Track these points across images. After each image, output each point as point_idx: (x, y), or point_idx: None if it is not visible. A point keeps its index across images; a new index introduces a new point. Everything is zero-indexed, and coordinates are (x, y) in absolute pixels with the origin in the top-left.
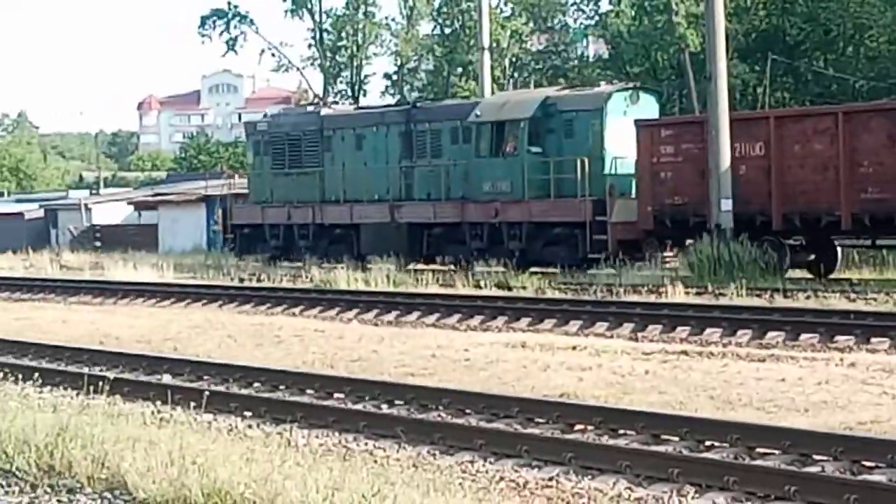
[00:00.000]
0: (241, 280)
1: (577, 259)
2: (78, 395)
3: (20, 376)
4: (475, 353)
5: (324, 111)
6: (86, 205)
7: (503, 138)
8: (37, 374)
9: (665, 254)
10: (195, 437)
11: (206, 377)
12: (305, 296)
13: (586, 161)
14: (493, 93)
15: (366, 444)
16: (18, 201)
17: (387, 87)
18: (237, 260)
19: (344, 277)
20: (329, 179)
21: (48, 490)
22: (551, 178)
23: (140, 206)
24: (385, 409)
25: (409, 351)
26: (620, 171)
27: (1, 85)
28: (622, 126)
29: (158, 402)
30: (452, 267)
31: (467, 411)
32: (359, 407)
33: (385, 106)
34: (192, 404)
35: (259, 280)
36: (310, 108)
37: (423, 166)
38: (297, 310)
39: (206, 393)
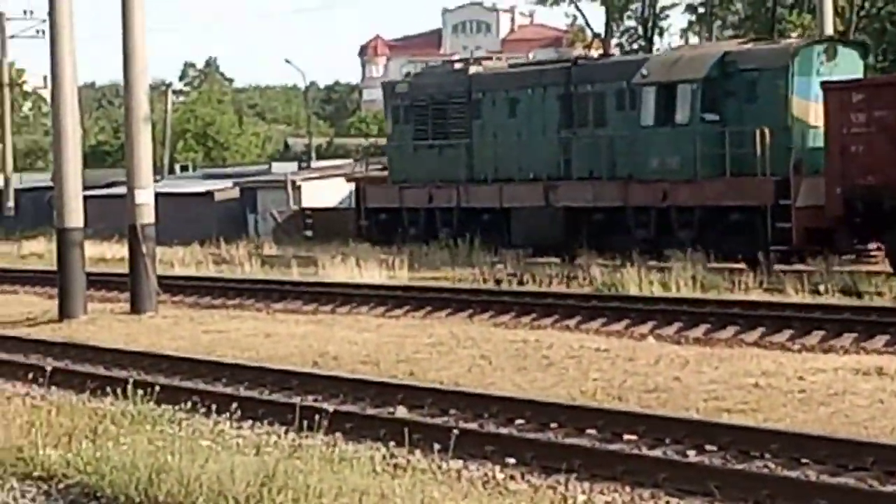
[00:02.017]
0: (498, 282)
1: (755, 252)
2: (287, 432)
3: (213, 407)
4: (813, 381)
5: (472, 69)
6: (293, 182)
7: (673, 104)
8: (234, 405)
9: (869, 247)
10: (440, 489)
11: (452, 411)
12: (583, 303)
13: (767, 132)
14: (835, 31)
15: (667, 502)
16: (207, 177)
17: (690, 23)
18: (492, 256)
19: (634, 279)
20: (477, 153)
21: None
22: (727, 152)
23: (364, 184)
24: (693, 456)
25: (722, 378)
26: (811, 143)
27: (185, 27)
28: (814, 88)
29: (392, 444)
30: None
31: (804, 461)
32: (657, 453)
33: (542, 62)
34: (436, 447)
35: (521, 282)
36: (457, 66)
37: (585, 137)
38: (571, 322)
39: (454, 432)
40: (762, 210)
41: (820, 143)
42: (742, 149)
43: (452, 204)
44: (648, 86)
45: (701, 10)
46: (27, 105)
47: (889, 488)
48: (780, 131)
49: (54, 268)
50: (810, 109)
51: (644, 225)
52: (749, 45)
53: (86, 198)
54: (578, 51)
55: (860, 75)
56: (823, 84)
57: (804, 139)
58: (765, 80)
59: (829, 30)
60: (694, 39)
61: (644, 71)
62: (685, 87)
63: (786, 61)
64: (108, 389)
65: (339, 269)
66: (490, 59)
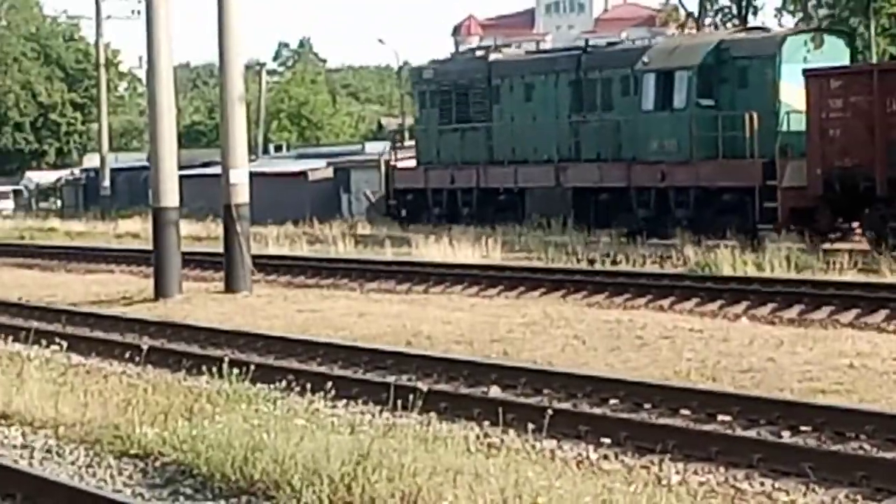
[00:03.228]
0: (592, 262)
1: (746, 230)
2: (381, 411)
3: (308, 386)
4: None
5: (492, 56)
6: (387, 162)
7: (671, 89)
8: (329, 384)
9: (853, 225)
10: (534, 469)
11: (546, 391)
12: (677, 283)
13: (755, 116)
14: None
15: (762, 483)
16: (300, 157)
17: (784, 1)
18: (586, 235)
19: (728, 259)
20: (497, 136)
21: None
22: (719, 135)
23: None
24: (787, 437)
25: (817, 359)
26: (798, 127)
27: (279, 7)
28: (801, 75)
29: (486, 423)
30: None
31: None
32: (751, 434)
33: (556, 50)
34: (530, 426)
35: (615, 262)
36: (478, 53)
37: (593, 121)
38: (665, 302)
39: (548, 412)
40: (752, 190)
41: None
42: (734, 132)
43: (472, 184)
44: (649, 72)
45: None
46: (123, 85)
47: None
48: (769, 116)
49: (150, 247)
50: (798, 95)
51: (645, 204)
52: (742, 35)
53: (181, 177)
54: (672, 30)
55: (847, 63)
56: (804, 71)
57: (791, 123)
58: (755, 67)
59: None
60: (788, 18)
61: (645, 58)
62: (682, 73)
63: (774, 49)
64: (204, 368)
65: (432, 248)
66: (509, 46)
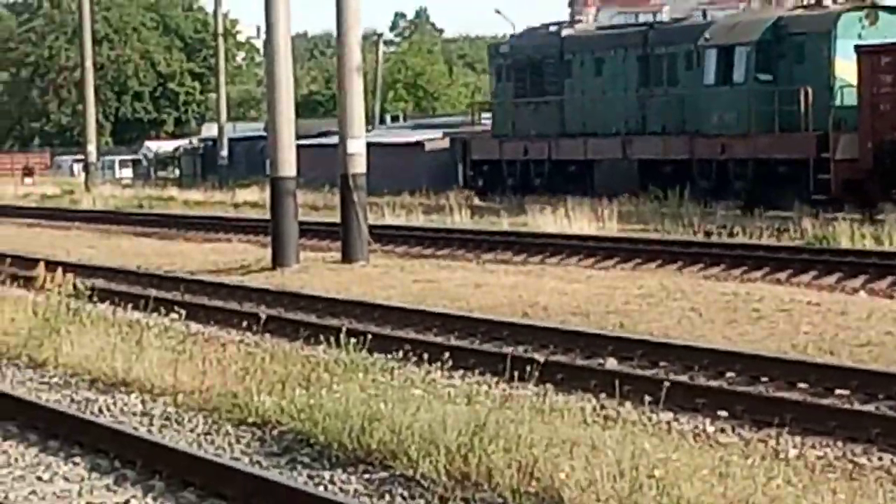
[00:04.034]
0: (708, 234)
1: (801, 201)
2: (498, 382)
3: (425, 356)
4: None
5: (565, 31)
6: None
7: (731, 64)
8: (446, 355)
9: None
10: (650, 442)
11: (663, 363)
12: (794, 256)
13: (810, 91)
14: None
15: (880, 458)
16: (416, 127)
17: None
18: (702, 206)
19: (846, 232)
20: (569, 109)
21: None
22: (776, 109)
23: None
24: None
25: None
26: (851, 102)
27: None
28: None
29: (602, 395)
30: None
31: None
32: (870, 408)
33: (625, 26)
34: (647, 399)
35: (731, 234)
36: (552, 29)
37: (660, 95)
38: (782, 275)
39: (665, 384)
40: (806, 163)
41: None
42: (790, 106)
43: (544, 156)
44: (710, 48)
45: None
46: (240, 55)
47: None
48: (824, 90)
49: (267, 216)
50: (852, 70)
51: (706, 176)
52: (799, 11)
53: (298, 147)
54: (790, 2)
55: None
56: (857, 47)
57: (845, 98)
58: (811, 43)
59: None
60: None
61: (707, 34)
62: (742, 49)
63: (829, 26)
64: (321, 337)
65: (548, 219)
66: (581, 21)
